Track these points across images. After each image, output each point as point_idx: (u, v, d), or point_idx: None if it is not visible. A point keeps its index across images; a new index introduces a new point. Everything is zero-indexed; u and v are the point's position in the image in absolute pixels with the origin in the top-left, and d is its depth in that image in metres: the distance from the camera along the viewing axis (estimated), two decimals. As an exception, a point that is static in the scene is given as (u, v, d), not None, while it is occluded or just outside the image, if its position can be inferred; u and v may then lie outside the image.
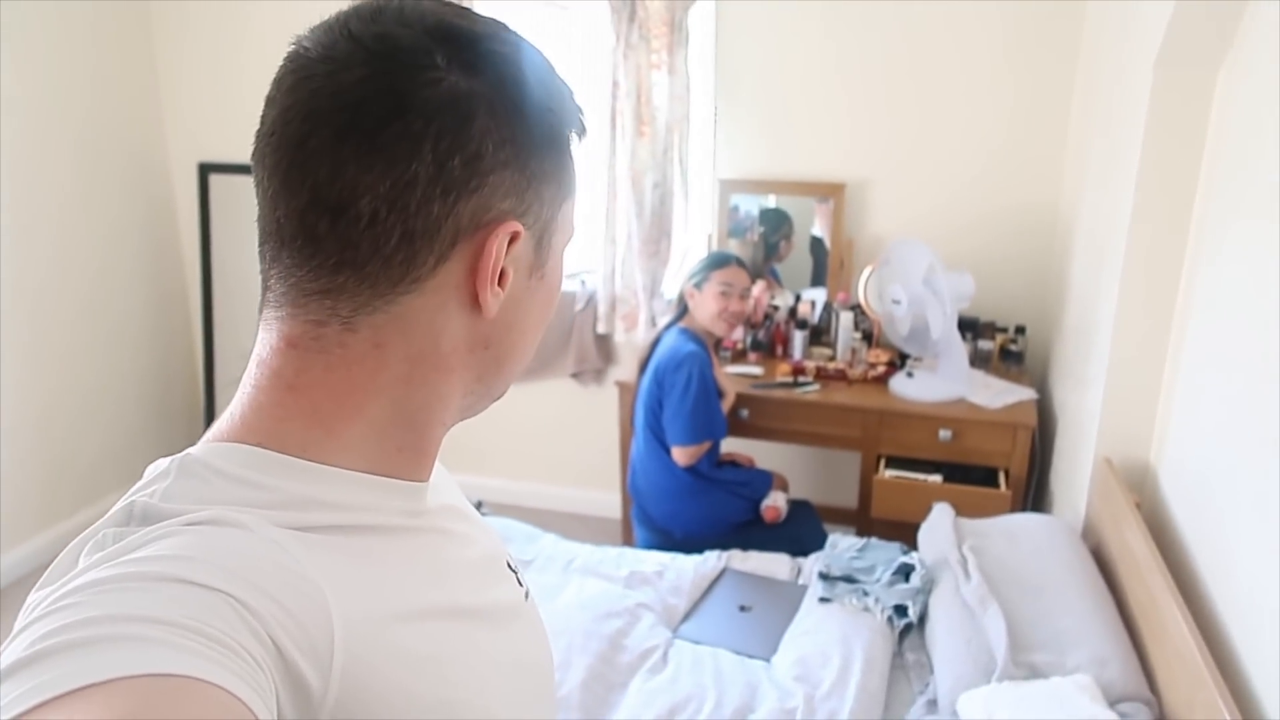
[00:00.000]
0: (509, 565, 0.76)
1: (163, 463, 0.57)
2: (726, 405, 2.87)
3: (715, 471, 2.82)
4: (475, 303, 0.60)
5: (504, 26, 0.61)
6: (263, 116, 0.58)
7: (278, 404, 0.59)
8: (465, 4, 0.61)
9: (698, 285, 2.81)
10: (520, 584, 0.76)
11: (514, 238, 0.60)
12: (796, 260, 3.41)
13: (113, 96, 3.57)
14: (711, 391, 2.73)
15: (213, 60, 3.67)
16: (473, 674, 0.62)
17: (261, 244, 0.60)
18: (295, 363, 0.59)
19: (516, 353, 0.66)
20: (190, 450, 0.57)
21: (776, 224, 3.39)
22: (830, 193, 3.27)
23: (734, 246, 3.38)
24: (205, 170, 3.79)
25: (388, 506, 0.62)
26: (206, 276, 3.88)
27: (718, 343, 2.91)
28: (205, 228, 3.83)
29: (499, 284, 0.60)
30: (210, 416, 3.97)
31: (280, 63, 0.58)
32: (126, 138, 3.65)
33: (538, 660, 0.73)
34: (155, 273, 3.84)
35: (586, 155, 3.16)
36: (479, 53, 0.57)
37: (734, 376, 3.07)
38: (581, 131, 0.65)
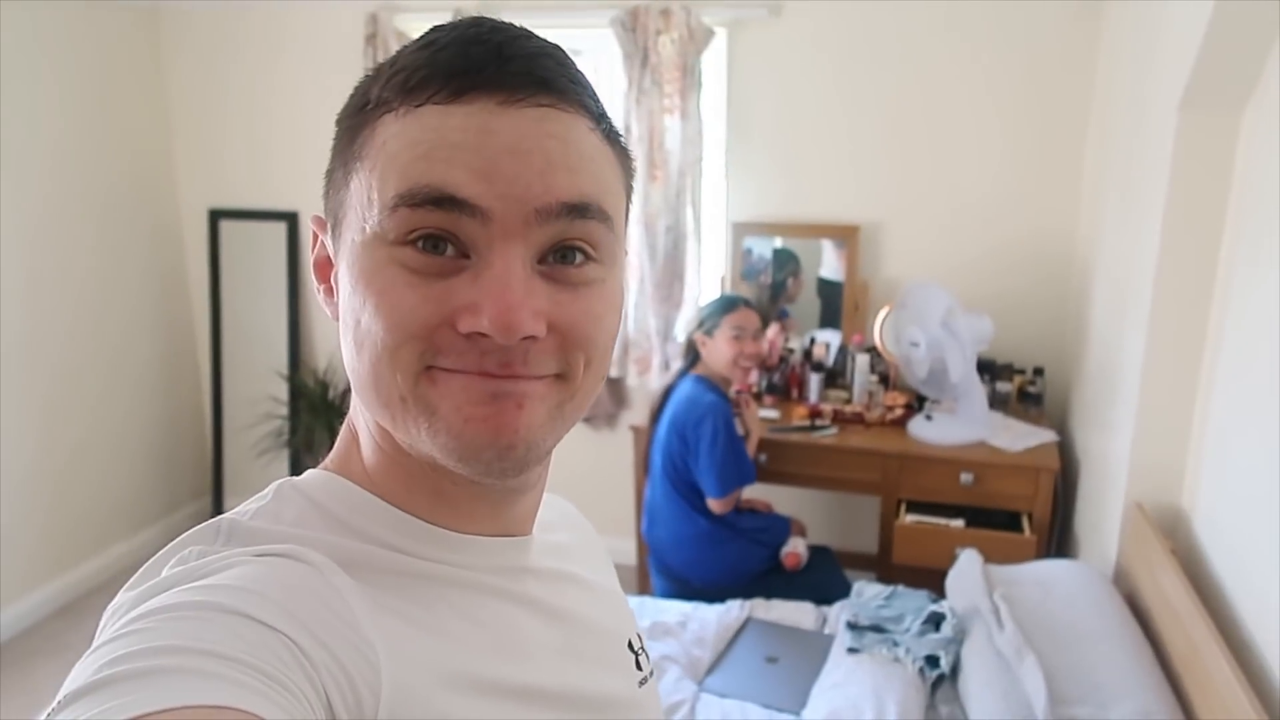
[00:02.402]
0: (631, 646, 0.70)
1: (273, 484, 0.59)
2: (752, 446, 2.83)
3: (735, 518, 2.78)
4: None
5: (485, 24, 0.55)
6: None
7: (369, 441, 0.60)
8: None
9: (708, 332, 2.76)
10: (640, 668, 0.70)
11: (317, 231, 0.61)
12: (804, 301, 3.40)
13: (124, 143, 3.57)
14: (737, 439, 2.69)
15: (224, 107, 3.68)
16: None
17: None
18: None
19: (358, 374, 0.56)
20: (299, 476, 0.60)
21: (783, 263, 3.39)
22: (845, 235, 3.26)
23: (746, 288, 3.37)
24: (215, 216, 3.78)
25: (469, 563, 0.60)
26: (216, 323, 3.86)
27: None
28: (215, 274, 3.82)
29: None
30: (218, 465, 3.93)
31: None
32: (137, 184, 3.65)
33: None
34: (164, 319, 3.82)
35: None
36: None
37: (758, 420, 3.04)
38: (407, 99, 0.53)
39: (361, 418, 0.60)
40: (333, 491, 0.58)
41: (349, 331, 0.54)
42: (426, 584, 0.57)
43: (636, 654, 0.71)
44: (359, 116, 0.55)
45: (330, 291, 0.59)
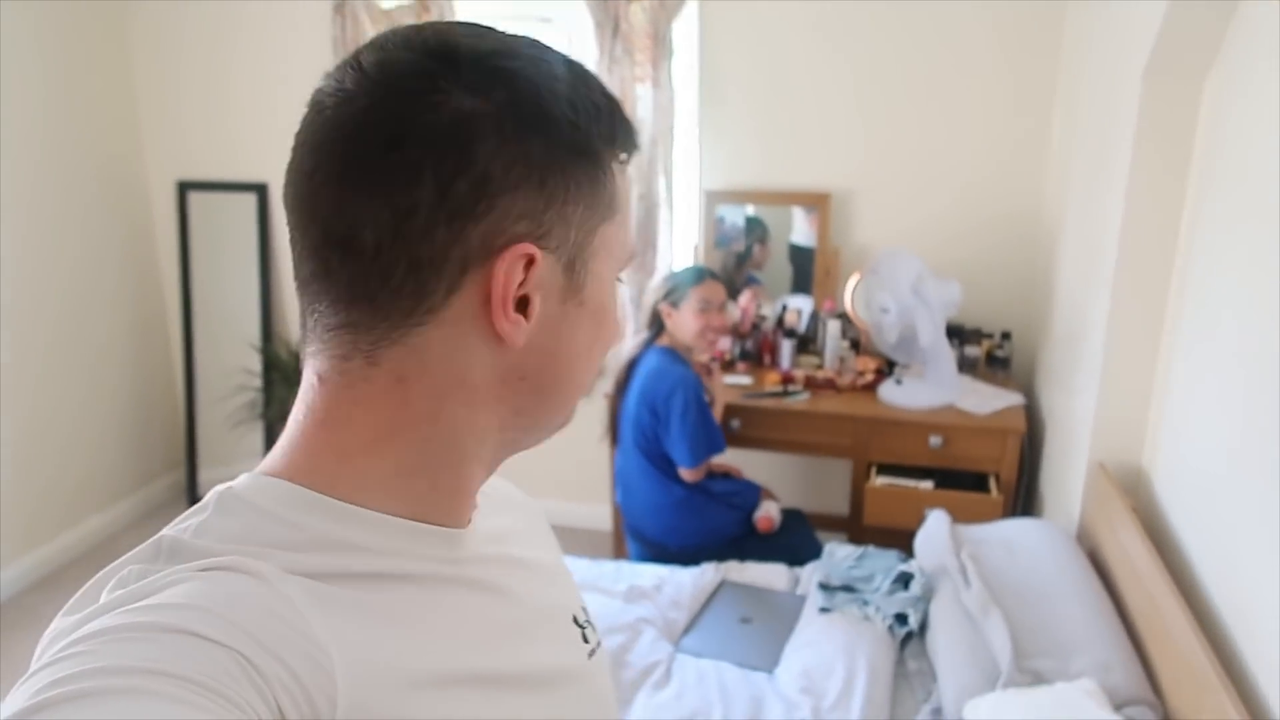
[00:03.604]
0: (576, 620, 0.72)
1: (211, 494, 0.57)
2: (717, 412, 2.86)
3: (708, 484, 2.82)
4: (497, 333, 0.57)
5: (526, 42, 0.59)
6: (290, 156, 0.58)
7: (311, 440, 0.58)
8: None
9: (674, 303, 2.75)
10: (587, 640, 0.72)
11: (530, 262, 0.56)
12: (776, 267, 3.43)
13: (89, 115, 3.52)
14: (706, 410, 2.72)
15: (191, 78, 3.63)
16: None
17: (295, 279, 0.60)
18: (325, 398, 0.58)
19: (561, 383, 0.62)
20: (234, 483, 0.57)
21: (750, 230, 3.41)
22: (816, 202, 3.28)
23: (718, 256, 3.39)
24: (184, 188, 3.74)
25: (420, 553, 0.59)
26: (186, 296, 3.83)
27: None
28: (184, 246, 3.79)
29: (522, 312, 0.57)
30: (191, 438, 3.92)
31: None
32: (103, 156, 3.61)
33: None
34: (134, 293, 3.79)
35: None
36: (486, 70, 0.55)
37: (724, 386, 3.07)
38: (626, 147, 0.62)
39: (448, 429, 0.60)
40: (278, 496, 0.56)
41: (582, 343, 0.62)
42: (380, 582, 0.57)
43: (583, 627, 0.73)
44: (597, 154, 0.60)
45: (525, 315, 0.58)
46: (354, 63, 0.56)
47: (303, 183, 0.56)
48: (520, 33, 0.59)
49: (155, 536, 0.54)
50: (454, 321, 0.57)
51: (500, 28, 0.59)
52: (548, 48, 0.59)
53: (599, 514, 3.58)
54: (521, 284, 0.57)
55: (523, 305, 0.58)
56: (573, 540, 3.55)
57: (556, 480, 3.79)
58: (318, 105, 0.56)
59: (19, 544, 3.32)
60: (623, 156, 0.62)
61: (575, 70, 0.60)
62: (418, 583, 0.59)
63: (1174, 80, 1.98)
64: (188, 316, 3.86)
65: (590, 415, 3.58)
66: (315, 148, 0.55)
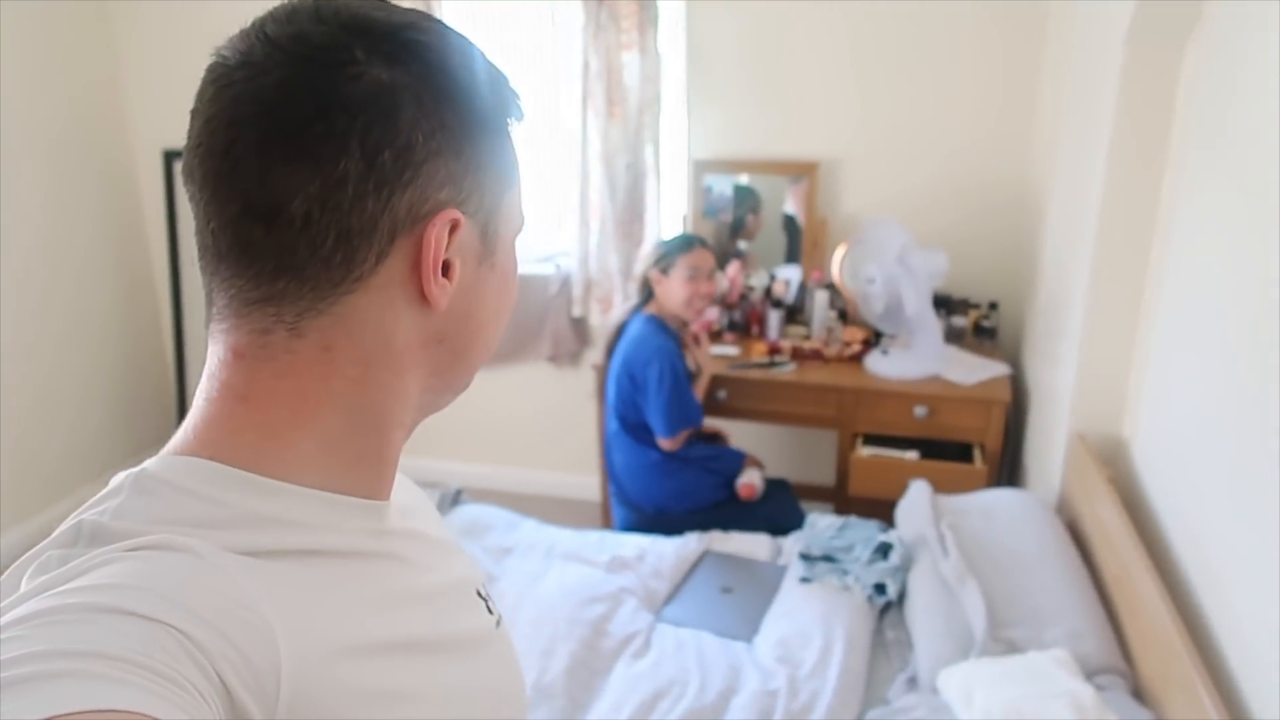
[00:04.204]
0: (479, 593, 0.74)
1: (119, 477, 0.56)
2: (703, 383, 2.87)
3: (686, 449, 2.82)
4: (423, 297, 0.59)
5: (425, 16, 0.60)
6: (188, 130, 0.57)
7: (230, 416, 0.58)
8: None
9: (664, 271, 2.75)
10: (491, 611, 0.74)
11: (455, 227, 0.58)
12: (769, 238, 3.41)
13: (72, 83, 3.49)
14: (683, 382, 2.73)
15: (174, 44, 3.60)
16: (428, 710, 0.61)
17: (200, 258, 0.59)
18: (244, 373, 0.58)
19: (475, 345, 0.65)
20: (146, 465, 0.56)
21: (743, 200, 3.39)
22: (804, 171, 3.26)
23: (707, 226, 3.38)
24: (170, 157, 3.72)
25: (345, 526, 0.60)
26: (174, 265, 3.83)
27: (684, 324, 2.89)
28: (172, 215, 3.78)
29: (445, 275, 0.59)
30: (182, 406, 3.93)
31: (202, 74, 0.57)
32: (87, 125, 3.58)
33: (505, 689, 0.72)
34: (121, 261, 3.78)
35: (542, 137, 3.09)
36: (400, 43, 0.56)
37: (710, 357, 3.07)
38: (519, 116, 0.64)
39: (375, 396, 0.60)
40: (199, 474, 0.56)
41: (492, 306, 0.65)
42: (309, 557, 0.57)
43: (485, 599, 0.75)
44: (501, 124, 0.63)
45: (448, 279, 0.60)
46: (259, 35, 0.56)
47: (216, 157, 0.55)
48: (412, 7, 0.60)
49: (73, 521, 0.53)
50: (381, 288, 0.58)
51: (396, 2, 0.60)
52: (442, 22, 0.61)
53: (588, 485, 3.59)
54: (445, 248, 0.59)
55: (444, 270, 0.59)
56: (562, 510, 3.57)
57: (546, 450, 3.81)
58: (223, 78, 0.56)
59: (9, 516, 3.34)
60: (516, 124, 0.64)
61: (471, 44, 0.62)
62: (344, 556, 0.60)
63: (1155, 46, 1.96)
64: (176, 285, 3.85)
65: (580, 384, 3.60)
66: (230, 121, 0.55)
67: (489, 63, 0.62)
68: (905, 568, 2.25)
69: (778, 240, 3.41)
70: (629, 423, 2.80)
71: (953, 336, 3.14)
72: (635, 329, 2.79)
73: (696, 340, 2.89)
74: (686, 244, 2.76)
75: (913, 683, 1.97)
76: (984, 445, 2.86)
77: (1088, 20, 2.41)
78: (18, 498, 3.37)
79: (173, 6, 3.55)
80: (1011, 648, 1.87)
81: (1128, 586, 1.87)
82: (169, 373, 4.03)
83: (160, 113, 3.72)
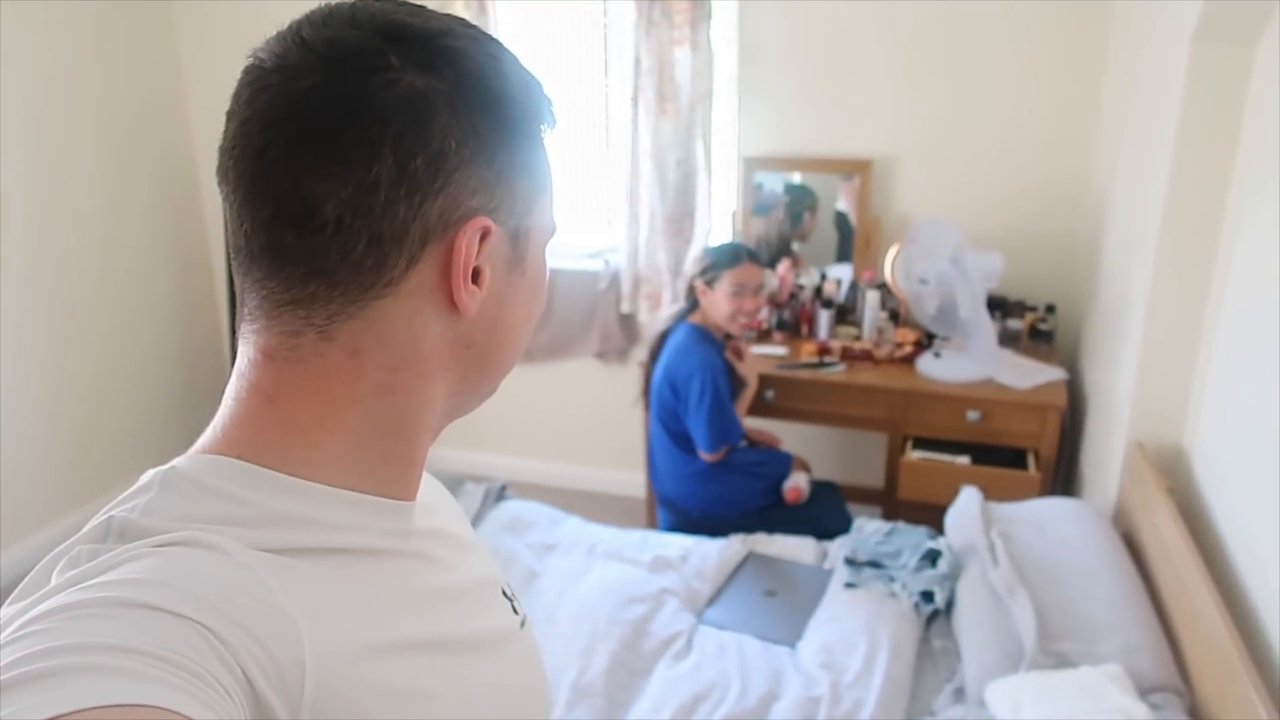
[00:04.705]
0: (504, 593, 0.74)
1: (149, 474, 0.56)
2: (749, 396, 2.84)
3: (730, 455, 2.80)
4: (452, 303, 0.59)
5: (461, 22, 0.60)
6: (224, 131, 0.58)
7: (257, 416, 0.58)
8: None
9: (709, 283, 2.71)
10: (516, 611, 0.74)
11: (486, 234, 0.58)
12: (820, 236, 3.37)
13: (138, 85, 3.56)
14: (725, 398, 2.69)
15: (236, 48, 3.63)
16: (452, 708, 0.60)
17: (233, 259, 0.60)
18: (273, 374, 0.58)
19: (502, 351, 0.65)
20: (175, 463, 0.57)
21: (800, 199, 3.35)
22: (856, 169, 3.22)
23: (757, 224, 3.35)
24: (228, 152, 3.78)
25: (371, 526, 0.60)
26: (230, 256, 3.88)
27: (728, 334, 2.85)
28: (229, 209, 3.84)
29: (475, 282, 0.59)
30: (237, 397, 3.99)
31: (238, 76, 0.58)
32: (152, 125, 3.65)
33: (529, 688, 0.72)
34: (178, 250, 3.84)
35: (591, 133, 3.07)
36: (434, 50, 0.56)
37: (759, 357, 3.04)
38: (552, 123, 0.63)
39: (402, 400, 0.60)
40: (226, 473, 0.56)
41: (520, 313, 0.65)
42: (333, 556, 0.57)
43: (510, 599, 0.75)
44: (535, 131, 0.62)
45: (477, 285, 0.60)
46: (295, 39, 0.56)
47: (250, 159, 0.55)
48: (448, 13, 0.60)
49: (103, 517, 0.54)
50: (411, 294, 0.58)
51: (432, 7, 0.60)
52: (477, 28, 0.61)
53: (633, 481, 3.58)
54: (475, 255, 0.58)
55: (474, 277, 0.59)
56: (606, 507, 3.57)
57: (591, 446, 3.80)
58: (258, 81, 0.56)
59: (63, 502, 3.41)
60: (549, 132, 0.64)
61: (506, 50, 0.61)
62: (369, 555, 0.60)
63: (1224, 46, 1.89)
64: (232, 281, 3.90)
65: (628, 380, 3.58)
66: (265, 124, 0.55)
67: (523, 69, 0.62)
68: (954, 576, 2.20)
69: (829, 239, 3.37)
70: (671, 430, 2.78)
71: (1007, 339, 3.07)
72: (678, 338, 2.77)
73: (739, 354, 2.85)
74: (734, 258, 2.70)
75: (959, 694, 1.93)
76: (1038, 452, 2.79)
77: (1154, 17, 2.33)
78: (71, 486, 3.45)
79: (236, 13, 3.60)
80: (1063, 661, 1.82)
81: (1185, 602, 1.81)
82: (223, 363, 4.09)
83: (218, 103, 3.76)
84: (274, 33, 0.58)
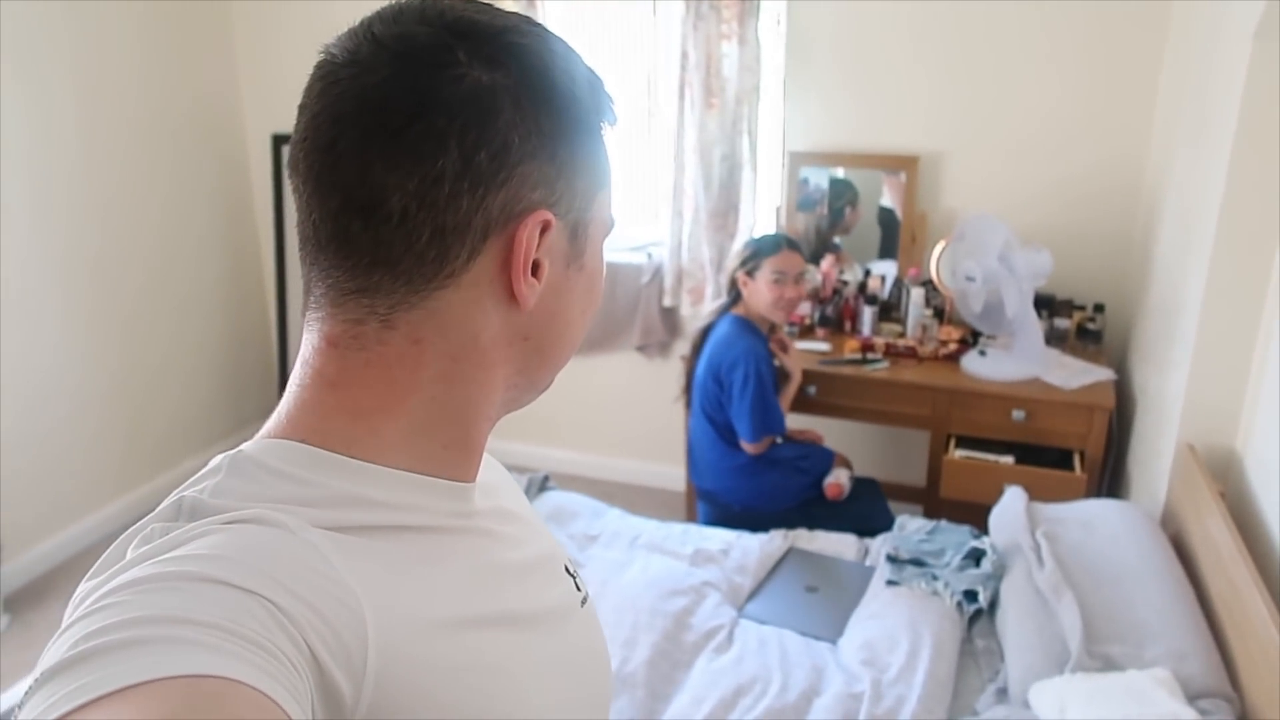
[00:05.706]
0: (567, 569, 0.75)
1: (218, 458, 0.58)
2: (793, 389, 2.83)
3: (772, 449, 2.80)
4: (511, 295, 0.60)
5: (527, 19, 0.61)
6: (295, 124, 0.59)
7: (321, 402, 0.60)
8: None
9: (750, 273, 2.72)
10: (579, 588, 0.75)
11: (546, 228, 0.59)
12: (864, 231, 3.35)
13: (190, 69, 3.63)
14: (769, 388, 2.69)
15: (289, 32, 3.71)
16: (517, 683, 0.62)
17: (301, 248, 0.61)
18: (336, 361, 0.60)
19: (560, 344, 0.66)
20: (243, 447, 0.59)
21: (840, 193, 3.33)
22: (903, 165, 3.19)
23: (801, 219, 3.33)
24: (279, 141, 3.84)
25: (433, 507, 0.62)
26: (280, 245, 3.95)
27: (772, 327, 2.85)
28: (279, 198, 3.89)
29: (534, 275, 0.60)
30: (283, 383, 4.04)
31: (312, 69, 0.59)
32: (203, 110, 3.72)
33: (592, 664, 0.73)
34: (230, 241, 3.92)
35: (638, 127, 3.08)
36: (500, 46, 0.57)
37: (802, 352, 3.03)
38: (613, 120, 0.65)
39: (461, 389, 0.62)
40: (291, 457, 0.58)
41: (578, 307, 0.66)
42: (397, 534, 0.59)
43: (573, 576, 0.76)
44: (595, 127, 0.63)
45: (536, 278, 0.61)
46: (367, 35, 0.58)
47: (321, 152, 0.57)
48: (514, 10, 0.61)
49: (174, 497, 0.56)
50: (472, 285, 0.59)
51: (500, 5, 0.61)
52: (541, 25, 0.62)
53: (674, 475, 3.59)
54: (535, 249, 0.60)
55: (533, 270, 0.61)
56: (647, 500, 3.58)
57: (633, 438, 3.82)
58: (329, 75, 0.58)
59: (117, 485, 3.50)
60: (609, 128, 0.65)
61: (568, 47, 0.63)
62: (432, 533, 0.62)
63: (1287, 42, 1.86)
64: (281, 264, 3.97)
65: (670, 374, 3.59)
66: (335, 118, 0.57)
67: (586, 67, 0.63)
68: (997, 575, 2.19)
69: (873, 234, 3.35)
70: (715, 423, 2.78)
71: (1055, 339, 3.04)
72: (722, 330, 2.77)
73: (784, 347, 2.85)
74: (774, 246, 2.71)
75: (1002, 694, 1.92)
76: (1084, 452, 2.76)
77: (1214, 14, 2.29)
78: (125, 468, 3.53)
79: (287, 6, 3.65)
80: (1109, 664, 1.81)
81: (1237, 607, 1.78)
82: (272, 349, 4.16)
83: (272, 99, 3.83)
84: (344, 29, 0.60)
